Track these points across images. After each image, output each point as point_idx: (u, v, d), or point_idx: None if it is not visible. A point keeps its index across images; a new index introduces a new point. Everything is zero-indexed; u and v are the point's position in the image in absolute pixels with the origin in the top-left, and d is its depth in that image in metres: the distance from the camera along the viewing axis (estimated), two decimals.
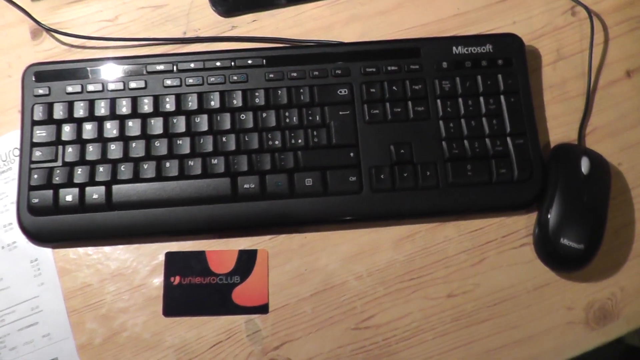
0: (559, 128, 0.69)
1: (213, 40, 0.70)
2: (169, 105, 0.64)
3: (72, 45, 0.70)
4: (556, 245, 0.61)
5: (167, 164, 0.62)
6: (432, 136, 0.64)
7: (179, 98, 0.65)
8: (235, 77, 0.65)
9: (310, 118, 0.64)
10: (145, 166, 0.62)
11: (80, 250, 0.63)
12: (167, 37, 0.70)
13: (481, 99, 0.65)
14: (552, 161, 0.65)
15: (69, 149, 0.62)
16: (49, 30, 0.69)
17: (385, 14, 0.72)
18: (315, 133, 0.63)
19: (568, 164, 0.64)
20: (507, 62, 0.66)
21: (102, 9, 0.71)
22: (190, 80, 0.65)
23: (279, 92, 0.65)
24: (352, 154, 0.63)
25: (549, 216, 0.61)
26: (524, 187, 0.64)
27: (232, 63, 0.66)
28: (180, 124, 0.64)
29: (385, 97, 0.65)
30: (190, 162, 0.62)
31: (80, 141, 0.63)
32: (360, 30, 0.71)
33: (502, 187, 0.64)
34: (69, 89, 0.65)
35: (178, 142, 0.63)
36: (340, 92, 0.65)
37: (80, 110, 0.64)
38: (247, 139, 0.63)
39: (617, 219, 0.66)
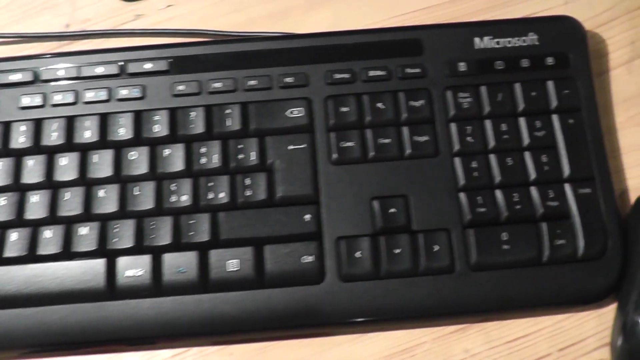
0: None
1: (104, 35, 0.47)
2: (23, 138, 0.41)
3: None
4: None
5: (12, 236, 0.38)
6: (443, 184, 0.39)
7: (38, 126, 0.41)
8: (124, 92, 0.41)
9: (240, 156, 0.39)
10: None
11: None
12: (38, 33, 0.47)
13: (521, 121, 0.40)
14: (637, 223, 0.39)
15: None
16: None
17: None
18: (247, 181, 0.39)
19: None
20: (561, 60, 0.40)
21: None
22: (58, 98, 0.41)
23: (192, 114, 0.40)
24: (307, 217, 0.37)
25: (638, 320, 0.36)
26: (595, 268, 0.39)
27: (121, 69, 0.39)
28: (35, 168, 0.40)
29: (364, 121, 0.40)
30: (46, 234, 0.38)
31: None
32: (331, 18, 0.46)
33: (558, 269, 0.39)
34: None
35: (31, 199, 0.39)
36: (292, 112, 0.38)
37: None
38: (136, 193, 0.39)
39: None
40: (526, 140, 0.40)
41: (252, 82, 0.40)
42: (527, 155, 0.40)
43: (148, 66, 0.41)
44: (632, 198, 0.42)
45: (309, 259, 0.37)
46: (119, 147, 0.40)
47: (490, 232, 0.38)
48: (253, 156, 0.39)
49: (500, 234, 0.38)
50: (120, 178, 0.39)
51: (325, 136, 0.40)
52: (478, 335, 0.39)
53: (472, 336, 0.39)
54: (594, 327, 0.40)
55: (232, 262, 0.37)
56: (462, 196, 0.39)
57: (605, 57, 0.46)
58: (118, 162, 0.39)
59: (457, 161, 0.39)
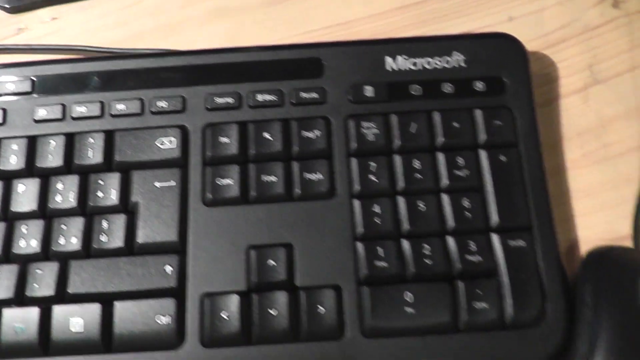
0: (596, 215, 0.36)
1: None
2: None
3: None
4: None
5: None
6: (337, 232, 0.32)
7: None
8: None
9: (99, 194, 0.31)
10: None
11: None
12: None
13: (440, 157, 0.32)
14: (586, 283, 0.32)
15: None
16: None
17: (277, 4, 0.39)
18: (105, 225, 0.32)
19: (618, 288, 0.32)
20: (493, 85, 0.33)
21: None
22: None
23: (51, 143, 0.34)
24: (169, 269, 0.30)
25: None
26: (530, 337, 0.31)
27: None
28: None
29: (248, 154, 0.34)
30: None
31: None
32: (230, 32, 0.40)
33: (480, 337, 0.31)
34: None
35: None
36: (162, 143, 0.31)
37: None
38: None
39: None
40: (445, 180, 0.33)
41: (121, 107, 0.34)
42: (445, 199, 0.33)
43: (10, 87, 0.35)
44: (584, 252, 0.34)
45: (165, 319, 0.30)
46: None
47: (390, 291, 0.31)
48: (113, 194, 0.33)
49: (404, 294, 0.31)
50: None
51: (201, 172, 0.33)
52: None
53: None
54: None
55: (76, 321, 0.31)
56: (360, 247, 0.32)
57: (555, 82, 0.39)
58: None
59: (357, 204, 0.32)
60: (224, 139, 0.33)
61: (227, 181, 0.33)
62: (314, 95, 0.34)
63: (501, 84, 0.35)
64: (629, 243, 0.35)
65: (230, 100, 0.34)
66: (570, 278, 0.34)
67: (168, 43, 0.39)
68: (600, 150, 0.38)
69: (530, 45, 0.38)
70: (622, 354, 0.31)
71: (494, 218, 0.33)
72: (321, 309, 0.31)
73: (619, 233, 0.36)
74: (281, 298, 0.31)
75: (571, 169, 0.37)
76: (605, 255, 0.34)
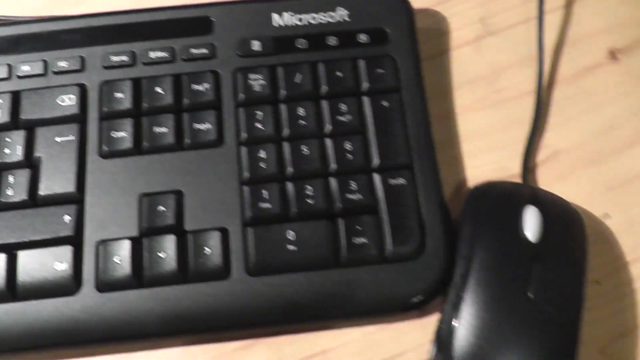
0: (487, 155, 0.38)
1: None
2: None
3: None
4: None
5: None
6: (226, 178, 0.33)
7: None
8: None
9: (6, 151, 0.35)
10: None
11: None
12: None
13: (324, 105, 0.33)
14: (467, 217, 0.34)
15: None
16: None
17: None
18: (11, 179, 0.35)
19: (498, 221, 0.34)
20: (376, 37, 0.35)
21: None
22: None
23: None
24: (67, 219, 0.33)
25: (455, 325, 0.31)
26: (410, 271, 0.33)
27: None
28: None
29: (141, 108, 0.36)
30: None
31: None
32: None
33: (362, 271, 0.33)
34: None
35: None
36: (63, 101, 0.33)
37: None
38: None
39: (603, 325, 0.34)
40: (328, 126, 0.35)
41: (26, 68, 0.36)
42: (329, 143, 0.35)
43: None
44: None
45: (62, 266, 0.32)
46: None
47: (273, 231, 0.33)
48: (19, 151, 0.35)
49: (286, 232, 0.33)
50: None
51: (97, 126, 0.35)
52: (267, 352, 0.34)
53: (260, 353, 0.34)
54: (413, 339, 0.34)
55: None
56: (246, 190, 0.33)
57: (447, 35, 0.41)
58: None
59: (244, 151, 0.34)
60: (118, 95, 0.35)
61: (121, 134, 0.35)
62: (204, 51, 0.36)
63: (384, 35, 0.37)
64: (518, 181, 0.37)
65: (125, 58, 0.36)
66: (453, 216, 0.35)
67: (83, 8, 0.40)
68: (492, 95, 0.39)
69: (422, 2, 0.40)
70: (492, 285, 0.32)
71: (375, 159, 0.34)
72: (208, 250, 0.32)
73: (509, 172, 0.38)
74: (169, 242, 0.33)
75: (462, 113, 0.39)
76: (488, 189, 0.35)
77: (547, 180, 0.37)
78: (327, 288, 0.33)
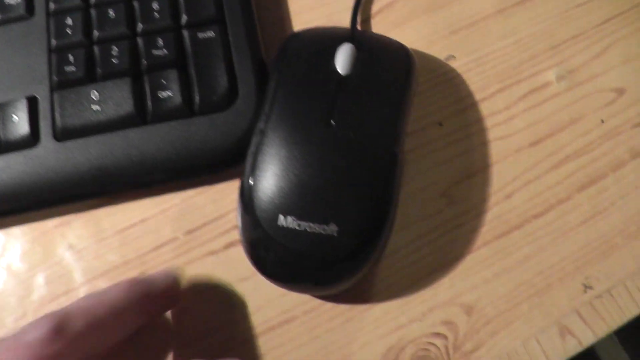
0: (317, 10, 0.37)
1: None
2: None
3: None
4: (273, 231, 0.29)
5: None
6: (35, 48, 0.32)
7: None
8: None
9: None
10: None
11: None
12: None
13: None
14: (277, 60, 0.33)
15: None
16: None
17: None
18: None
19: (309, 59, 0.33)
20: None
21: None
22: None
23: None
24: None
25: (255, 174, 0.30)
26: (219, 122, 0.33)
27: None
28: None
29: None
30: None
31: None
32: None
33: (171, 126, 0.33)
34: None
35: None
36: None
37: None
38: None
39: (446, 168, 0.34)
40: None
41: None
42: (136, 5, 0.34)
43: None
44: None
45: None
46: None
47: (78, 93, 0.33)
48: None
49: (90, 93, 0.32)
50: None
51: None
52: (85, 226, 0.34)
53: (78, 228, 0.34)
54: (233, 201, 0.34)
55: None
56: (54, 57, 0.33)
57: None
58: None
59: (52, 20, 0.34)
60: None
61: None
62: None
63: None
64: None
65: None
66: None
67: None
68: None
69: None
70: (293, 118, 0.31)
71: (184, 16, 0.34)
72: (15, 118, 0.33)
73: (340, 24, 0.36)
74: None
75: None
76: (304, 33, 0.34)
77: (384, 29, 0.36)
78: (136, 146, 0.32)
